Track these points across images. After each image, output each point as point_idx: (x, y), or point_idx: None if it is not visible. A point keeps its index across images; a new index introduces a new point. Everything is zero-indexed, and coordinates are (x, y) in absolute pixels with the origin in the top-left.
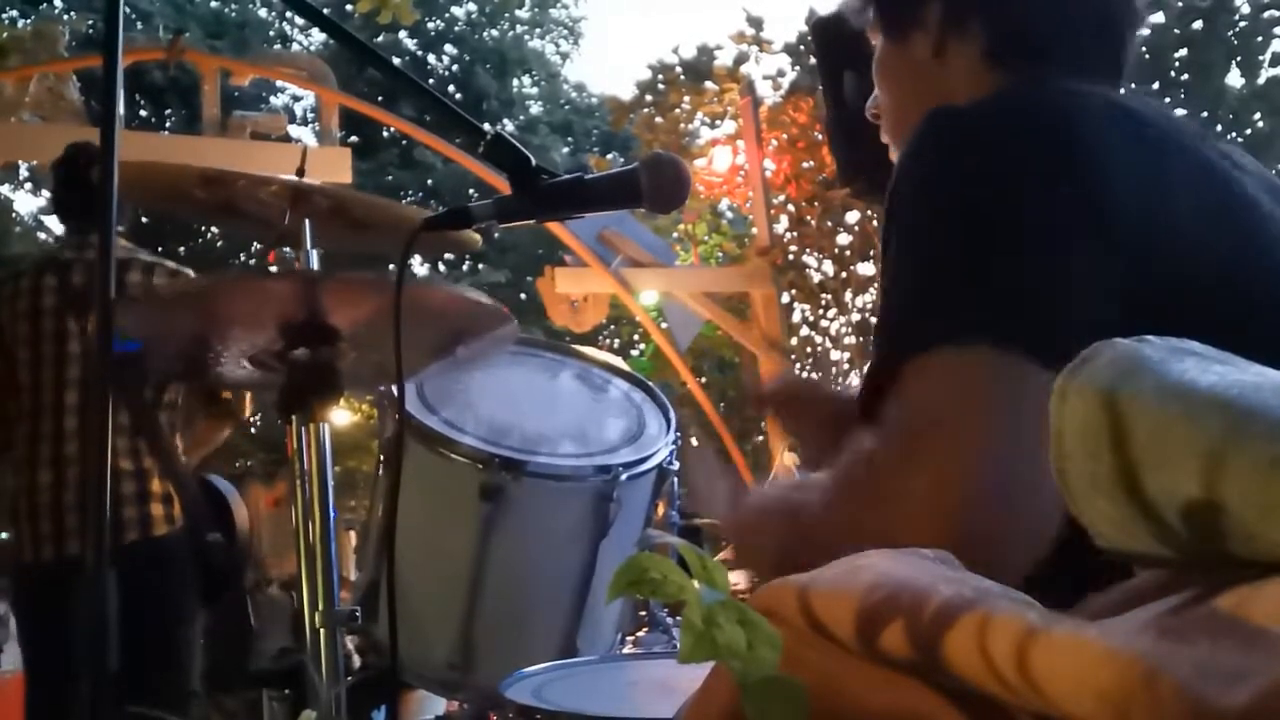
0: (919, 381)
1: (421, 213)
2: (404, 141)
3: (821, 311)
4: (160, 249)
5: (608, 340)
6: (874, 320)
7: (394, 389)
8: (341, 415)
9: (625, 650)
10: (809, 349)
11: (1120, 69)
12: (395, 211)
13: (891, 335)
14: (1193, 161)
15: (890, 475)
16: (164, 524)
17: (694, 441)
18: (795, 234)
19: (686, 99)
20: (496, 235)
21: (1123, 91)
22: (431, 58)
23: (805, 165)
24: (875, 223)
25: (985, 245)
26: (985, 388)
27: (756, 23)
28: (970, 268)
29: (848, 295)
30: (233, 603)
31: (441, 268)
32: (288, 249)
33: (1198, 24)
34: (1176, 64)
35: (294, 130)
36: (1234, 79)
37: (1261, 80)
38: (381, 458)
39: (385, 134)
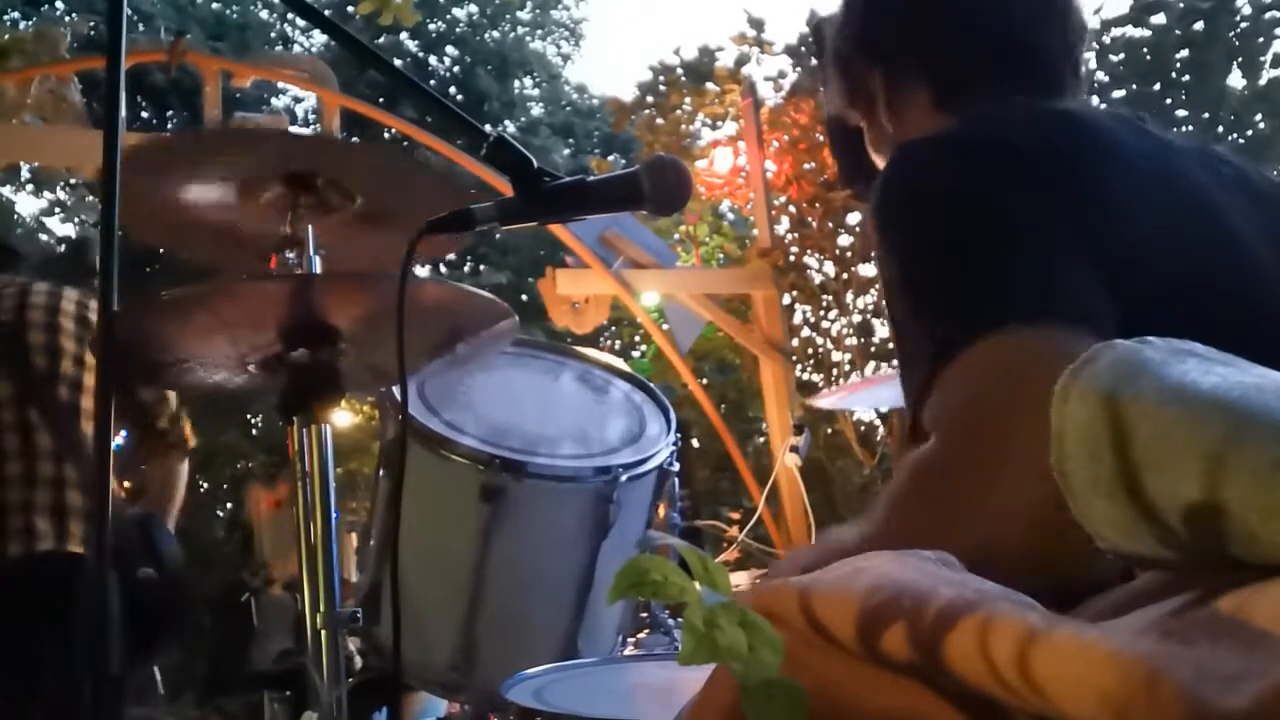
0: (966, 376)
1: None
2: (405, 143)
3: (823, 313)
4: (160, 251)
5: (609, 341)
6: (876, 321)
7: (395, 390)
8: (343, 417)
9: (626, 652)
10: (810, 350)
11: (1057, 79)
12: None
13: (932, 348)
14: (1159, 169)
15: (980, 459)
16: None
17: (695, 443)
18: (796, 235)
19: (688, 100)
20: (498, 237)
21: (1085, 102)
22: (432, 59)
23: (806, 166)
24: None
25: (981, 240)
26: (1039, 362)
27: (758, 24)
28: (973, 265)
29: (849, 296)
30: (232, 608)
31: (443, 268)
32: (290, 253)
33: (1199, 25)
34: (1177, 65)
35: (295, 132)
36: (1235, 80)
37: (1263, 81)
38: (382, 460)
39: (386, 135)
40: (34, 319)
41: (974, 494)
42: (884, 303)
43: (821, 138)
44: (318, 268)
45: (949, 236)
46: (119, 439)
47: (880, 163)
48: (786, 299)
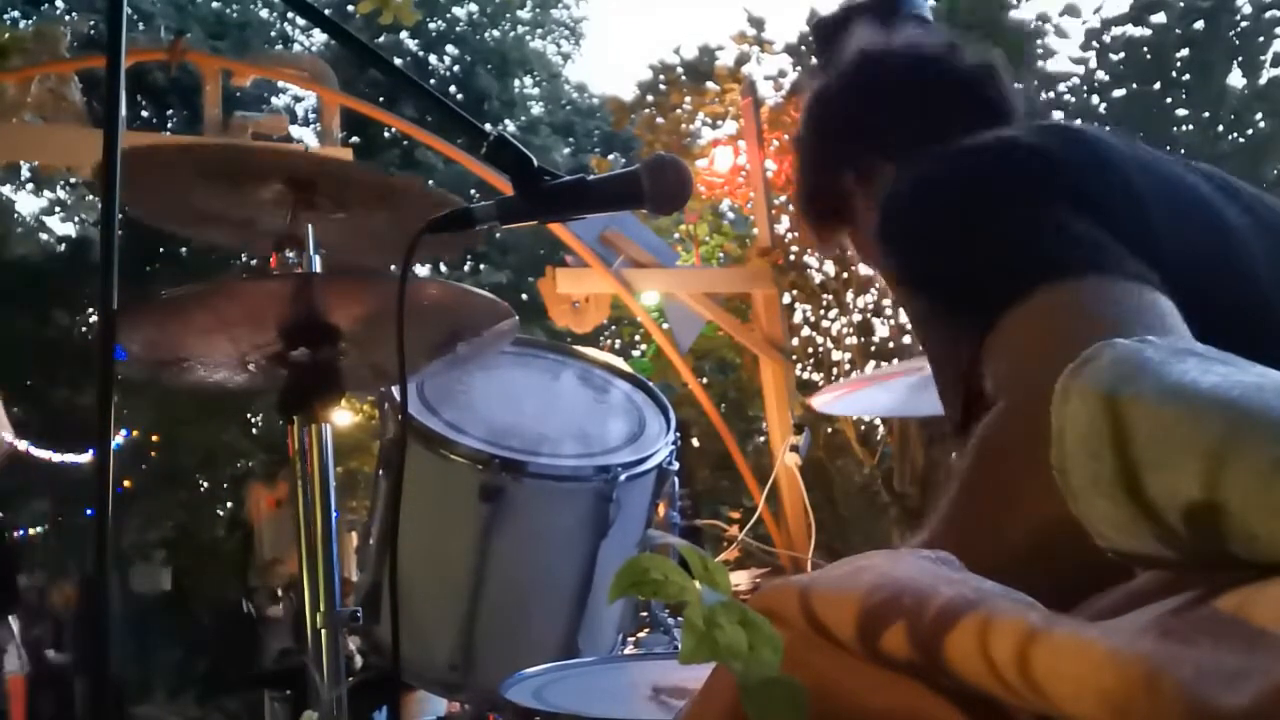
0: (1035, 322)
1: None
2: (405, 142)
3: (823, 312)
4: (160, 250)
5: (609, 341)
6: (876, 321)
7: (395, 390)
8: (343, 416)
9: (626, 651)
10: (810, 349)
11: (1005, 112)
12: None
13: (974, 303)
14: (1152, 176)
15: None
16: None
17: (695, 442)
18: (797, 234)
19: (688, 99)
20: (498, 236)
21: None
22: (433, 58)
23: None
24: None
25: (1001, 217)
26: (1114, 308)
27: (758, 23)
28: (1020, 227)
29: (849, 295)
30: (236, 604)
31: (443, 268)
32: (290, 253)
33: (1199, 24)
34: (1178, 64)
35: (295, 131)
36: (1235, 79)
37: (1263, 80)
38: (382, 459)
39: (386, 135)
40: None
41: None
42: (881, 301)
43: None
44: (318, 267)
45: (966, 222)
46: None
47: (867, 264)
48: (786, 298)
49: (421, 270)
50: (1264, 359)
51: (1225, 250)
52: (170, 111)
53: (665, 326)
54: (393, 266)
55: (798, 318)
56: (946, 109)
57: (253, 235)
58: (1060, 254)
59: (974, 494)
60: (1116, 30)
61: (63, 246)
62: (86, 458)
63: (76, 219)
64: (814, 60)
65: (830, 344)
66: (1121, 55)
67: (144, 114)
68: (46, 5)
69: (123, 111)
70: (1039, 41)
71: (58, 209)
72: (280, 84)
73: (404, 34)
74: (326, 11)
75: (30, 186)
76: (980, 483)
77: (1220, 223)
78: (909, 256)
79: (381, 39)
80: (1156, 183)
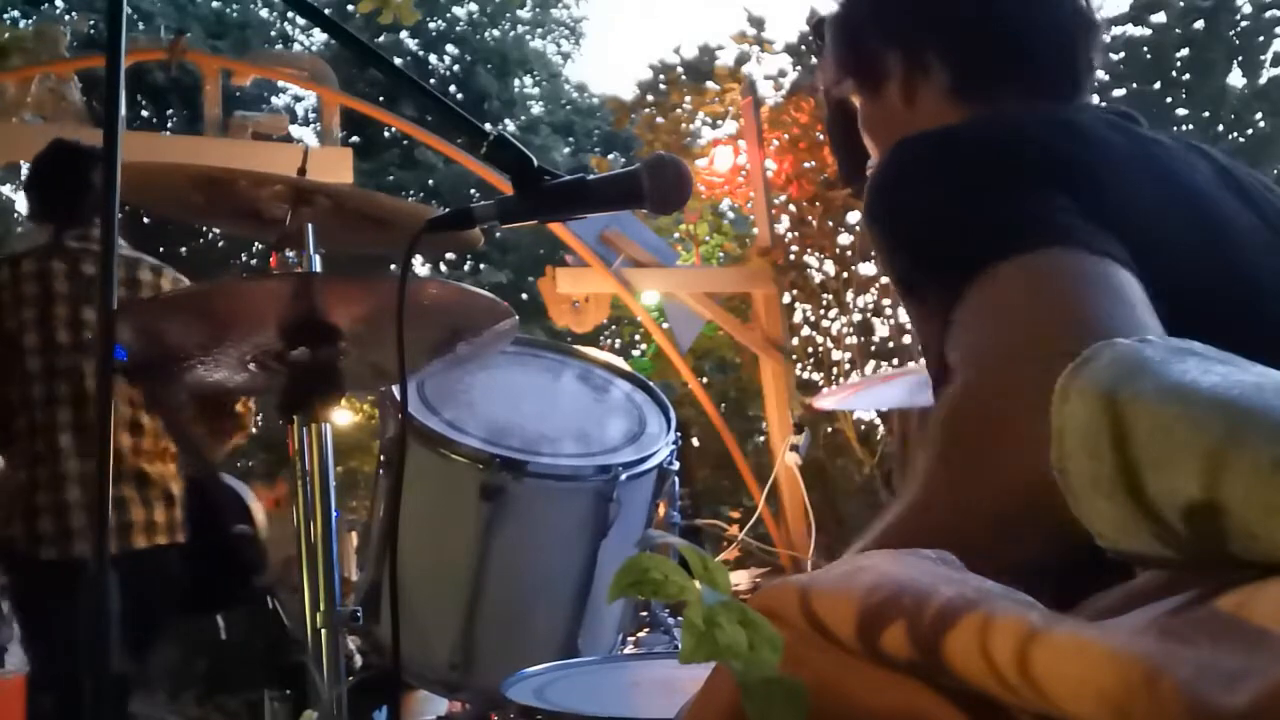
0: (992, 295)
1: (426, 210)
2: (405, 142)
3: (823, 311)
4: (161, 250)
5: (609, 340)
6: (876, 320)
7: (395, 389)
8: (343, 415)
9: (626, 651)
10: (810, 349)
11: (1080, 84)
12: (398, 207)
13: (940, 276)
14: (1151, 171)
15: (1009, 388)
16: (165, 532)
17: (695, 442)
18: (797, 234)
19: (688, 99)
20: (498, 235)
21: (1083, 106)
22: (433, 58)
23: (806, 165)
24: None
25: (982, 190)
26: (1071, 280)
27: (758, 23)
28: (996, 199)
29: (849, 295)
30: (262, 601)
31: (443, 268)
32: (290, 253)
33: (1199, 24)
34: (1178, 64)
35: (295, 130)
36: (1235, 79)
37: (1263, 80)
38: (382, 458)
39: (386, 134)
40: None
41: (1013, 426)
42: (881, 301)
43: (822, 136)
44: (318, 267)
45: (948, 196)
46: None
47: (870, 143)
48: (786, 298)
49: (422, 270)
50: (1255, 351)
51: (1220, 242)
52: (170, 111)
53: (665, 326)
54: (393, 266)
55: (798, 318)
56: (1010, 50)
57: (253, 229)
58: (1022, 228)
59: (939, 468)
60: (1116, 30)
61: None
62: None
63: None
64: (814, 60)
65: (830, 344)
66: (1121, 55)
67: (144, 114)
68: (46, 5)
69: (123, 111)
70: None
71: None
72: (280, 84)
73: (404, 34)
74: (326, 11)
75: None
76: (944, 457)
77: (1217, 214)
78: (887, 240)
79: (381, 39)
80: (1149, 179)
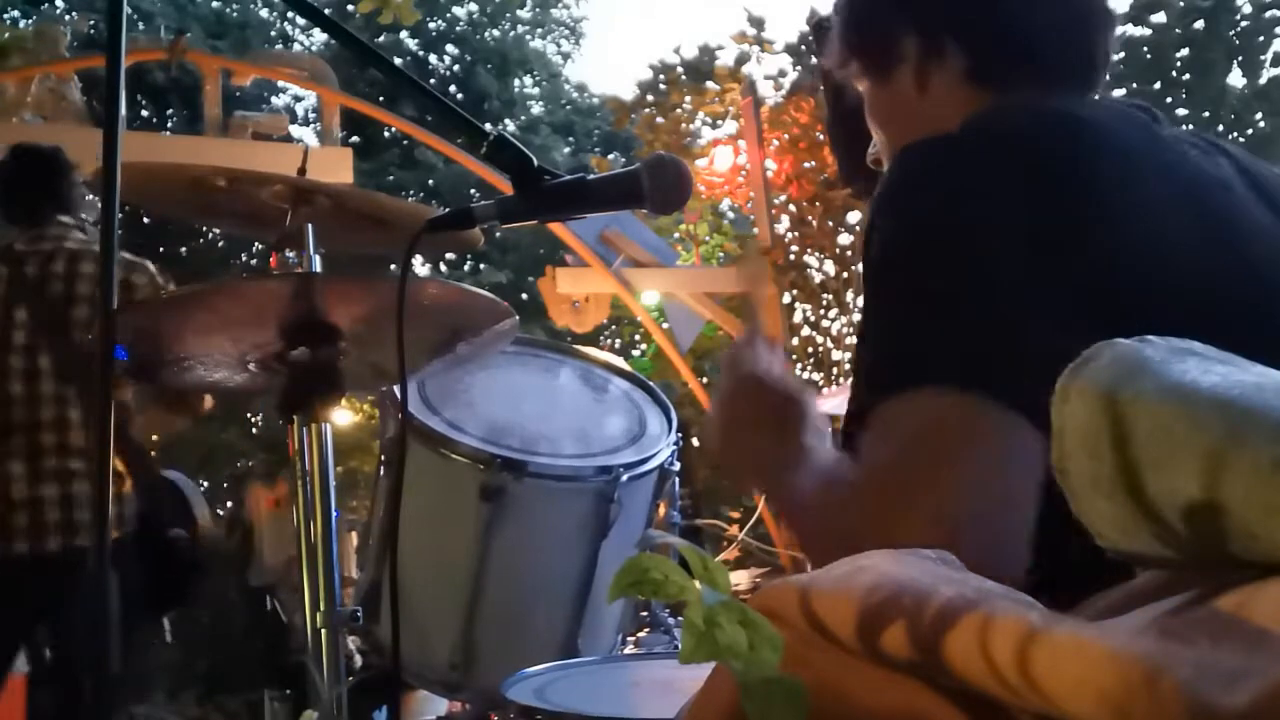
0: (892, 423)
1: (425, 209)
2: (405, 142)
3: (823, 312)
4: (161, 249)
5: (609, 340)
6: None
7: (395, 389)
8: (343, 415)
9: (626, 651)
10: (810, 349)
11: (1095, 72)
12: (398, 208)
13: (868, 379)
14: (1164, 170)
15: (879, 514)
16: (86, 533)
17: (695, 442)
18: (796, 234)
19: (688, 99)
20: (498, 235)
21: (1096, 100)
22: (433, 58)
23: (806, 165)
24: None
25: (951, 286)
26: (955, 429)
27: (758, 23)
28: (935, 310)
29: (849, 295)
30: (259, 601)
31: (443, 268)
32: (290, 253)
33: (1199, 24)
34: (1178, 64)
35: (295, 130)
36: (1235, 79)
37: (1263, 80)
38: (383, 458)
39: (386, 134)
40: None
41: (885, 531)
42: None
43: (822, 136)
44: (318, 267)
45: (929, 268)
46: None
47: (876, 130)
48: (786, 298)
49: (422, 270)
50: (1263, 351)
51: (1233, 241)
52: (170, 111)
53: (665, 326)
54: (393, 266)
55: (797, 317)
56: (1029, 41)
57: (253, 229)
58: (955, 358)
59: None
60: (1116, 30)
61: None
62: None
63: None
64: (814, 60)
65: (830, 344)
66: (1121, 55)
67: (144, 113)
68: (46, 5)
69: (123, 111)
70: None
71: None
72: (280, 84)
73: (404, 34)
74: (326, 11)
75: None
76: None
77: (1232, 213)
78: (870, 267)
79: (381, 39)
80: (1160, 176)
